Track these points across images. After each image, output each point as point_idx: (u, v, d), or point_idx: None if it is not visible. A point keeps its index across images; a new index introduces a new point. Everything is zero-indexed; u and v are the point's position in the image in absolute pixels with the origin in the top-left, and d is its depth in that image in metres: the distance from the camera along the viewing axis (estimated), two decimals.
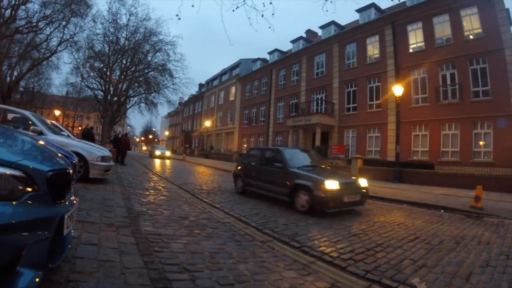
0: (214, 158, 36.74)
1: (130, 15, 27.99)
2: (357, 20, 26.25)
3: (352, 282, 3.08)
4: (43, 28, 22.95)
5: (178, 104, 60.72)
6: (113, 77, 29.68)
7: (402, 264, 3.63)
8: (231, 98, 43.58)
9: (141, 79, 30.96)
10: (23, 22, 22.26)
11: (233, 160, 31.77)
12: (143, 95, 32.75)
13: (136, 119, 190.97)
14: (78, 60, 27.60)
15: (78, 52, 26.99)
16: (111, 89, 29.51)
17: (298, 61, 30.64)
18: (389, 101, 20.54)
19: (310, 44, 30.61)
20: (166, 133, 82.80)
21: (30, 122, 7.15)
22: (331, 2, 6.07)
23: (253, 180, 8.38)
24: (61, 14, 22.48)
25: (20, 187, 1.67)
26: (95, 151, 7.98)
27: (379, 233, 5.05)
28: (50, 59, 26.53)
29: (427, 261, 3.78)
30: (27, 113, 7.73)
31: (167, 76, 30.68)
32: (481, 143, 16.50)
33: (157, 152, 33.67)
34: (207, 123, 43.61)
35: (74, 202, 2.35)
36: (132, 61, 29.50)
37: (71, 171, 2.30)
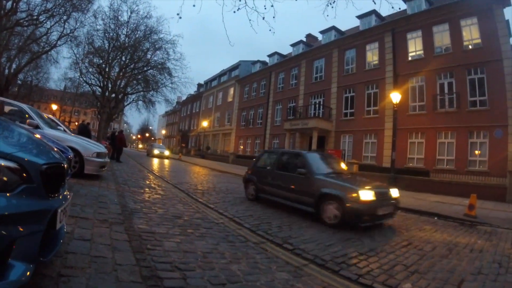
0: (210, 158, 36.67)
1: (131, 12, 27.92)
2: (358, 26, 26.37)
3: (344, 285, 3.09)
4: (44, 21, 22.83)
5: (176, 103, 60.73)
6: (112, 74, 29.57)
7: (394, 270, 3.64)
8: (229, 99, 43.59)
9: (140, 76, 30.87)
10: (24, 15, 22.14)
11: (229, 161, 31.75)
12: (141, 93, 32.66)
13: (133, 117, 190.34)
14: (78, 55, 27.48)
15: (77, 47, 26.87)
16: (110, 85, 29.41)
17: (297, 65, 30.72)
18: (386, 107, 20.64)
19: (310, 48, 30.72)
20: (163, 131, 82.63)
21: (27, 116, 7.11)
22: (332, 7, 6.10)
23: (269, 187, 7.52)
24: (62, 8, 22.39)
25: (14, 179, 1.66)
26: (91, 147, 7.95)
27: (375, 239, 5.07)
28: (49, 53, 26.40)
29: (419, 267, 3.80)
30: (24, 106, 7.68)
31: (166, 74, 30.61)
32: (476, 152, 16.60)
33: (156, 151, 31.86)
34: (205, 124, 43.55)
35: (68, 196, 2.34)
36: (132, 59, 29.42)
37: (66, 165, 2.30)
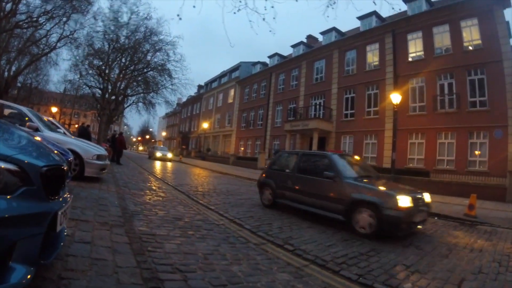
0: (211, 160, 36.67)
1: (131, 14, 27.91)
2: (358, 27, 26.42)
3: (344, 286, 3.09)
4: (43, 23, 22.83)
5: (176, 105, 60.68)
6: (112, 76, 29.57)
7: (394, 270, 3.64)
8: (230, 101, 43.61)
9: (140, 78, 30.86)
10: (23, 17, 22.15)
11: (229, 163, 31.74)
12: (142, 94, 32.63)
13: (133, 119, 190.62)
14: (77, 57, 27.45)
15: (77, 49, 26.84)
16: (110, 87, 29.41)
17: (297, 66, 30.76)
18: (386, 108, 20.67)
19: (310, 49, 30.76)
20: (164, 133, 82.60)
21: (27, 118, 7.12)
22: (333, 8, 6.11)
23: (289, 192, 6.89)
24: (62, 10, 22.38)
25: (14, 181, 1.66)
26: (91, 150, 7.95)
27: (374, 239, 5.07)
28: (49, 55, 26.43)
29: (420, 267, 3.80)
30: (24, 108, 7.69)
31: (166, 76, 30.58)
32: (476, 152, 16.61)
33: (158, 154, 30.23)
34: (205, 125, 43.56)
35: (68, 199, 2.34)
36: (132, 60, 29.44)
37: (66, 167, 2.30)
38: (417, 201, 5.45)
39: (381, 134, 21.13)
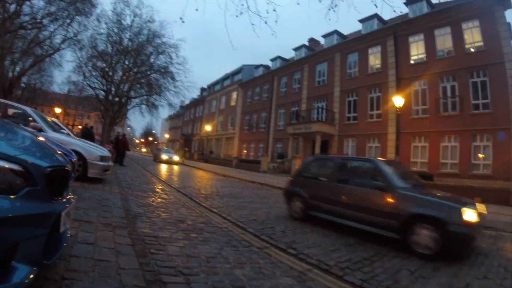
0: (213, 162, 36.68)
1: (134, 16, 28.16)
2: (360, 30, 26.45)
3: None
4: (47, 25, 22.98)
5: (179, 107, 60.86)
6: (115, 78, 29.74)
7: (399, 275, 3.61)
8: (232, 104, 43.68)
9: (143, 80, 31.02)
10: (27, 18, 22.28)
11: (232, 165, 31.71)
12: (145, 96, 32.76)
13: (136, 121, 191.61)
14: (81, 59, 27.66)
15: (81, 51, 27.05)
16: (113, 89, 29.56)
17: (300, 69, 30.78)
18: (389, 111, 20.63)
19: (313, 52, 30.80)
20: (166, 135, 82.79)
21: (31, 119, 7.15)
22: (334, 11, 6.13)
23: (326, 204, 5.93)
24: (66, 12, 22.56)
25: (18, 182, 1.66)
26: (94, 151, 7.96)
27: (377, 243, 5.03)
28: (53, 56, 26.55)
29: (424, 272, 3.76)
30: (28, 109, 7.72)
31: (169, 78, 30.77)
32: (480, 155, 16.54)
33: (164, 156, 28.14)
34: (208, 128, 43.60)
35: (72, 200, 2.34)
36: (135, 62, 29.61)
37: (69, 168, 2.29)
38: (481, 215, 4.82)
39: (384, 137, 21.07)
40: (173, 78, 30.61)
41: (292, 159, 25.26)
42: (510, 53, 16.04)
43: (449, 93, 18.32)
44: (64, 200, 2.13)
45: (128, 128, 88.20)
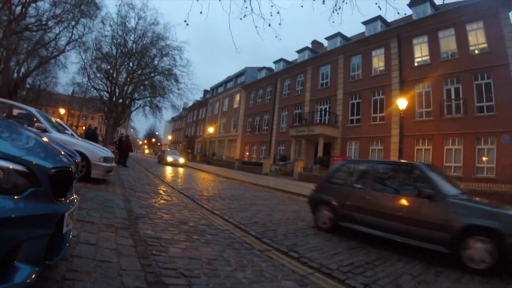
0: (216, 164, 36.71)
1: (138, 19, 28.38)
2: (363, 32, 26.43)
3: None
4: (52, 27, 23.24)
5: (183, 109, 61.10)
6: (119, 79, 29.93)
7: (401, 279, 3.59)
8: (235, 106, 43.76)
9: (147, 82, 31.20)
10: (33, 20, 22.52)
11: (235, 167, 31.73)
12: (148, 98, 32.97)
13: (140, 122, 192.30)
14: (86, 61, 27.92)
15: (86, 53, 27.32)
16: (117, 91, 29.72)
17: (303, 71, 30.80)
18: (393, 114, 20.57)
19: (316, 54, 30.83)
20: (169, 137, 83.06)
21: (35, 119, 7.18)
22: (338, 13, 6.11)
23: (360, 213, 5.30)
24: (71, 14, 22.79)
25: (22, 182, 1.67)
26: (98, 152, 7.99)
27: (380, 248, 5.01)
28: (57, 58, 26.79)
29: (427, 277, 3.74)
30: (32, 109, 7.76)
31: (172, 80, 30.93)
32: (484, 158, 16.46)
33: (169, 159, 26.91)
34: (211, 130, 43.67)
35: (75, 201, 2.35)
36: (139, 64, 29.77)
37: (73, 169, 2.31)
38: None
39: (388, 140, 21.00)
40: (176, 80, 30.79)
41: (294, 161, 25.26)
42: None
43: (453, 96, 18.27)
44: (68, 201, 2.13)
45: (132, 130, 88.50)
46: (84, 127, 33.79)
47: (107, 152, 8.58)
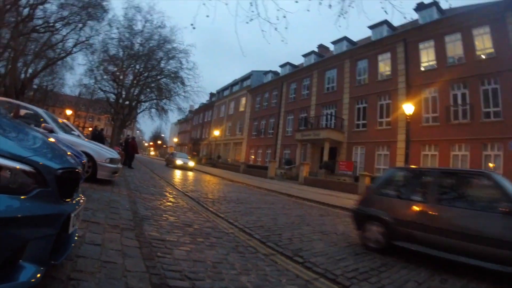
0: (221, 167, 36.74)
1: (145, 22, 28.57)
2: (370, 37, 26.40)
3: None
4: (60, 28, 23.54)
5: (188, 112, 61.26)
6: (126, 81, 30.12)
7: (406, 286, 3.55)
8: (241, 109, 43.83)
9: (153, 85, 31.37)
10: (40, 22, 22.82)
11: (240, 170, 31.72)
12: (155, 101, 33.11)
13: (146, 124, 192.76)
14: (93, 63, 28.11)
15: (92, 55, 27.53)
16: (123, 93, 29.92)
17: (309, 76, 30.79)
18: (399, 119, 20.45)
19: (322, 59, 30.82)
20: (175, 139, 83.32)
21: (42, 119, 7.24)
22: (344, 18, 6.11)
23: (422, 231, 4.43)
24: (78, 17, 23.05)
25: (30, 183, 1.68)
26: (104, 153, 8.03)
27: (384, 253, 4.96)
28: (65, 59, 27.17)
29: (432, 284, 3.70)
30: (40, 110, 7.82)
31: (179, 83, 31.05)
32: (491, 165, 16.27)
33: (178, 162, 25.28)
34: (216, 133, 43.75)
35: (81, 201, 2.35)
36: (146, 67, 29.95)
37: (80, 170, 2.31)
38: None
39: (394, 145, 20.86)
40: (183, 83, 30.90)
41: (299, 165, 25.20)
42: None
43: (459, 101, 18.13)
44: (74, 201, 2.14)
45: (138, 131, 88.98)
46: (90, 128, 34.03)
47: (113, 154, 8.62)
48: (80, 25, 23.74)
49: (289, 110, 32.83)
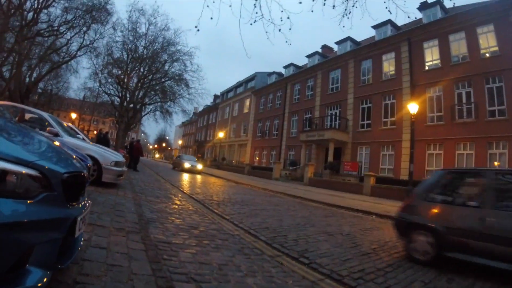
0: (226, 169, 36.77)
1: (149, 25, 28.77)
2: (373, 37, 26.31)
3: None
4: (64, 32, 23.71)
5: (193, 114, 61.42)
6: (130, 84, 30.27)
7: (412, 286, 3.52)
8: (245, 111, 43.86)
9: (157, 87, 31.51)
10: (44, 26, 23.01)
11: (244, 172, 31.71)
12: (159, 103, 33.28)
13: (150, 127, 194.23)
14: (97, 66, 28.35)
15: (97, 58, 27.74)
16: (128, 95, 30.07)
17: (313, 76, 30.74)
18: (404, 118, 20.36)
19: (326, 59, 30.75)
20: (180, 142, 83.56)
21: (47, 123, 7.27)
22: (348, 18, 6.09)
23: (480, 241, 3.93)
24: (82, 20, 23.24)
25: (36, 187, 1.68)
26: (109, 156, 8.07)
27: (390, 253, 4.94)
28: (69, 63, 27.32)
29: (438, 284, 3.67)
30: (44, 114, 7.85)
31: (183, 86, 31.21)
32: (496, 163, 16.14)
33: (187, 165, 24.14)
34: (221, 134, 43.80)
35: (87, 205, 2.36)
36: (150, 70, 30.11)
37: (86, 174, 2.32)
38: None
39: (398, 145, 20.77)
40: (187, 85, 31.05)
41: (304, 166, 25.15)
42: None
43: (464, 100, 18.01)
44: (80, 205, 2.15)
45: (142, 134, 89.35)
46: (95, 132, 34.23)
47: (118, 157, 8.66)
48: (84, 28, 23.94)
49: (294, 111, 32.80)
